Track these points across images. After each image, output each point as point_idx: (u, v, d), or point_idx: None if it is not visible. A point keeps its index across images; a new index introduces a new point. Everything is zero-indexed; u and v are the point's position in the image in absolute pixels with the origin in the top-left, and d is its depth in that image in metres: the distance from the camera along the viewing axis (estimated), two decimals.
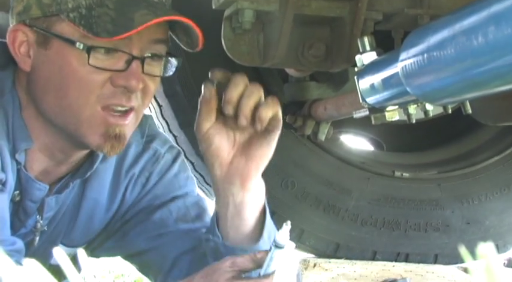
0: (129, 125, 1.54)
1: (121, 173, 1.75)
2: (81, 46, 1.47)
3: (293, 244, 1.36)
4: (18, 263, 1.42)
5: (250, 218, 1.57)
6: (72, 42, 1.48)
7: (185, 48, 1.57)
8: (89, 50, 1.47)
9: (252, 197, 1.57)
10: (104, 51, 1.48)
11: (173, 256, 1.71)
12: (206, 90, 1.54)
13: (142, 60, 1.50)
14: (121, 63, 1.49)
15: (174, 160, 1.80)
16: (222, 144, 1.56)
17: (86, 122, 1.50)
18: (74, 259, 0.52)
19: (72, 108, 1.50)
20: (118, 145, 1.53)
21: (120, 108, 1.51)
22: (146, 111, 1.73)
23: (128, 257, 1.84)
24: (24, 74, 1.56)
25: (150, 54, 1.52)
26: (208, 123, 1.55)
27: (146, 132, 1.78)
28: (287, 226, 1.35)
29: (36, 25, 1.52)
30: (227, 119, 1.55)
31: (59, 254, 0.48)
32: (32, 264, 0.47)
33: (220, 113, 1.55)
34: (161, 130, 2.32)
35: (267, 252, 1.39)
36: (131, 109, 1.52)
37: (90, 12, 1.46)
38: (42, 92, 1.53)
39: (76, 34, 1.47)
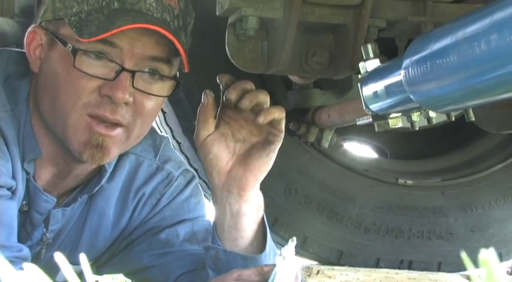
0: (115, 139, 1.52)
1: (130, 192, 1.74)
2: (71, 48, 1.48)
3: (299, 260, 1.35)
4: (22, 270, 1.42)
5: (247, 229, 1.57)
6: (65, 44, 1.49)
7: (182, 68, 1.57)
8: (74, 52, 1.47)
9: (250, 208, 1.57)
10: (95, 57, 1.48)
11: (176, 275, 1.71)
12: (204, 98, 1.55)
13: (132, 73, 1.49)
14: (112, 73, 1.49)
15: (187, 184, 1.79)
16: (221, 153, 1.56)
17: (71, 127, 1.50)
18: (80, 276, 0.52)
19: (61, 111, 1.50)
20: (99, 155, 1.51)
21: (105, 119, 1.50)
22: None
23: (131, 274, 1.84)
24: (35, 78, 1.58)
25: (144, 70, 1.52)
26: (206, 131, 1.55)
27: (160, 152, 1.77)
28: (293, 242, 1.35)
29: (48, 27, 1.54)
30: (227, 129, 1.55)
31: (61, 260, 0.48)
32: (32, 269, 0.47)
33: (220, 123, 1.55)
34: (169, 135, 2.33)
35: (273, 266, 1.39)
36: (118, 124, 1.51)
37: (88, 17, 1.47)
38: (42, 93, 1.55)
39: (73, 38, 1.48)
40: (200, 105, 1.56)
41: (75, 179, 1.65)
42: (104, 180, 1.66)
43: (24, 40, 1.59)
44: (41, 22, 1.57)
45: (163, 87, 1.55)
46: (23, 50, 1.61)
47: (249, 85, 1.54)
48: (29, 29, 1.59)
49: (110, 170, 1.66)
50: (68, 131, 1.51)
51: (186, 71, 1.54)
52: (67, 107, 1.49)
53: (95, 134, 1.50)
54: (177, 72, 1.60)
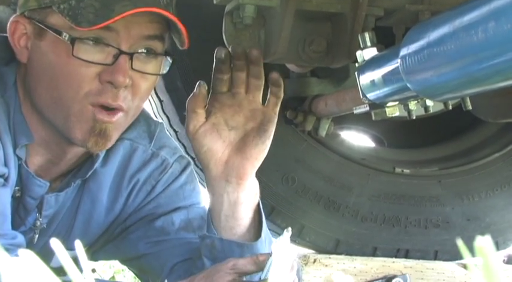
0: (116, 124, 1.52)
1: (124, 178, 1.73)
2: (67, 37, 1.47)
3: (295, 249, 1.36)
4: (17, 256, 1.42)
5: (244, 217, 1.57)
6: (59, 33, 1.48)
7: (179, 46, 1.56)
8: (72, 41, 1.46)
9: (247, 196, 1.57)
10: (92, 43, 1.47)
11: (172, 263, 1.70)
12: (197, 88, 1.56)
13: (131, 55, 1.49)
14: (109, 58, 1.48)
15: (182, 171, 1.78)
16: (214, 144, 1.56)
17: (74, 117, 1.50)
18: (75, 261, 0.52)
19: (62, 101, 1.50)
20: (102, 142, 1.52)
21: (108, 106, 1.50)
22: (146, 106, 1.73)
23: (126, 261, 1.84)
24: (24, 67, 1.56)
25: (140, 50, 1.51)
26: (196, 121, 1.55)
27: (155, 138, 1.76)
28: (288, 232, 1.35)
29: (33, 17, 1.53)
30: (219, 118, 1.55)
31: (56, 245, 0.48)
32: (28, 255, 0.47)
33: (211, 112, 1.55)
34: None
35: (268, 255, 1.39)
36: (119, 109, 1.51)
37: (79, 3, 1.46)
38: (35, 84, 1.53)
39: (66, 26, 1.47)
40: (191, 95, 1.56)
41: (68, 163, 1.64)
42: (96, 165, 1.66)
43: (7, 30, 1.56)
44: (24, 11, 1.54)
45: (157, 65, 1.55)
46: (6, 35, 1.59)
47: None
48: (11, 19, 1.56)
49: (102, 154, 1.66)
50: (71, 121, 1.51)
51: (186, 47, 1.53)
52: (68, 98, 1.49)
53: (98, 122, 1.50)
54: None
